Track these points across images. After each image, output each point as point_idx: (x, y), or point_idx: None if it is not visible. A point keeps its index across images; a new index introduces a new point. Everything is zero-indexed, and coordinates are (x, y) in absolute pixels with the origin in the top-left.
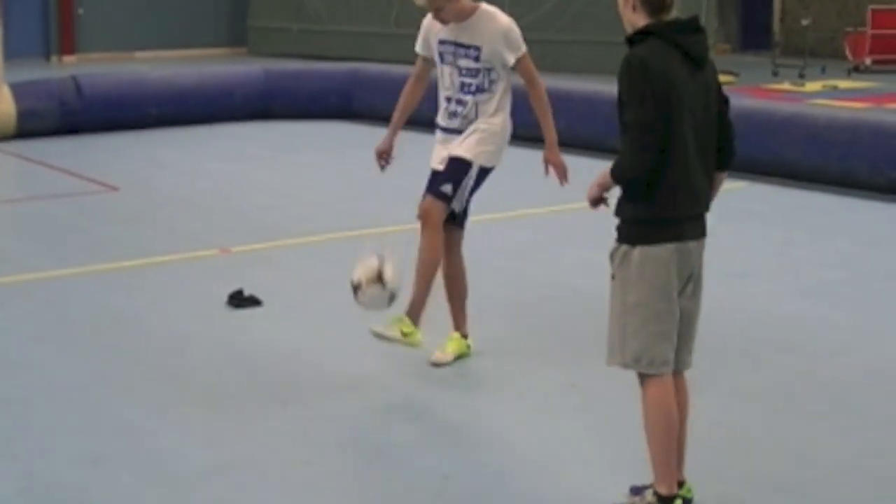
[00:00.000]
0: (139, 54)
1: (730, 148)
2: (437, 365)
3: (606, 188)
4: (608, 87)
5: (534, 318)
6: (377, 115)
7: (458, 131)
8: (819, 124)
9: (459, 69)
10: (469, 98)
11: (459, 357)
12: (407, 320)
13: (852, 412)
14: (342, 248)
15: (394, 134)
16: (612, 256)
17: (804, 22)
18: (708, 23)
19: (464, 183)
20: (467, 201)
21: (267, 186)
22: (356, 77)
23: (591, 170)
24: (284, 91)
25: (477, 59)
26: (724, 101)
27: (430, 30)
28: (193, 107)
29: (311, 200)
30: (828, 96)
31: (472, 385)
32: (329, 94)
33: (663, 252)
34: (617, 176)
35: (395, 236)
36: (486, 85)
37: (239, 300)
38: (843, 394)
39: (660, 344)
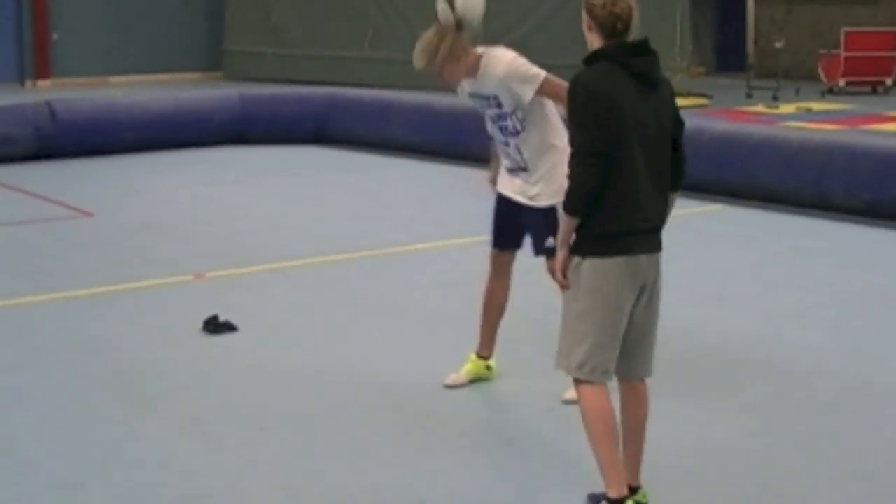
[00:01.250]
0: (114, 79)
1: (680, 170)
2: (450, 387)
3: (567, 237)
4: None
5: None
6: (353, 140)
7: (518, 169)
8: (793, 147)
9: (492, 118)
10: (511, 140)
11: (476, 379)
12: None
13: (828, 434)
14: (318, 273)
15: (497, 164)
16: (564, 269)
17: (778, 44)
18: (682, 45)
19: None
20: None
21: (243, 211)
22: (332, 101)
23: None
24: (260, 116)
25: (500, 105)
26: (680, 123)
27: (461, 84)
28: (169, 132)
29: (287, 225)
30: (802, 118)
31: (462, 407)
32: (305, 118)
33: (612, 266)
34: (568, 206)
35: (373, 260)
36: (519, 126)
37: (214, 326)
38: (819, 416)
39: (603, 353)
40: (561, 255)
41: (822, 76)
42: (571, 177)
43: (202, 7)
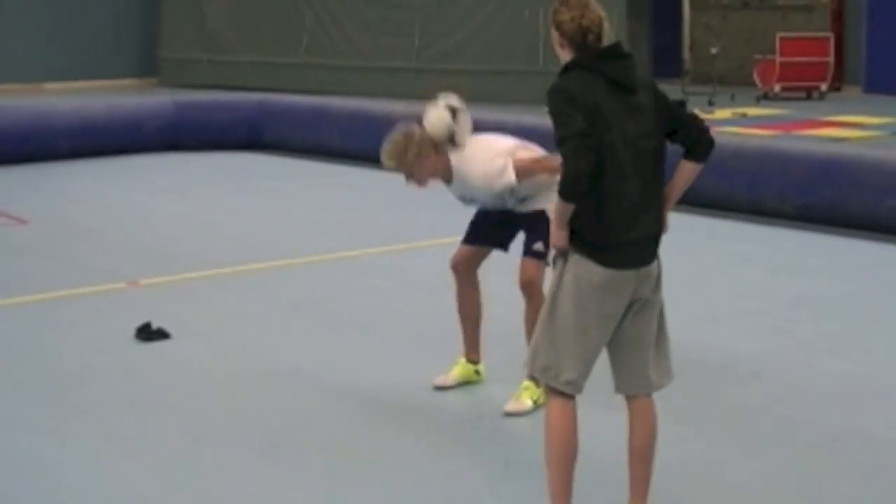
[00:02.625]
0: (48, 85)
1: (701, 137)
2: (439, 388)
3: (563, 219)
4: (520, 117)
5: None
6: (287, 146)
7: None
8: (727, 152)
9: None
10: (513, 206)
11: (466, 383)
12: (531, 385)
13: (760, 438)
14: (251, 280)
15: None
16: (553, 263)
17: (713, 50)
18: None
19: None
20: None
21: (177, 218)
22: (265, 108)
23: None
24: (194, 122)
25: (497, 197)
26: (678, 103)
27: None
28: (104, 139)
29: (221, 232)
30: (737, 124)
31: (394, 409)
32: (238, 125)
33: (596, 277)
34: (563, 192)
35: (306, 267)
36: (515, 203)
37: (147, 334)
38: (750, 420)
39: (570, 363)
40: (560, 233)
41: (758, 82)
42: (564, 162)
43: (137, 13)
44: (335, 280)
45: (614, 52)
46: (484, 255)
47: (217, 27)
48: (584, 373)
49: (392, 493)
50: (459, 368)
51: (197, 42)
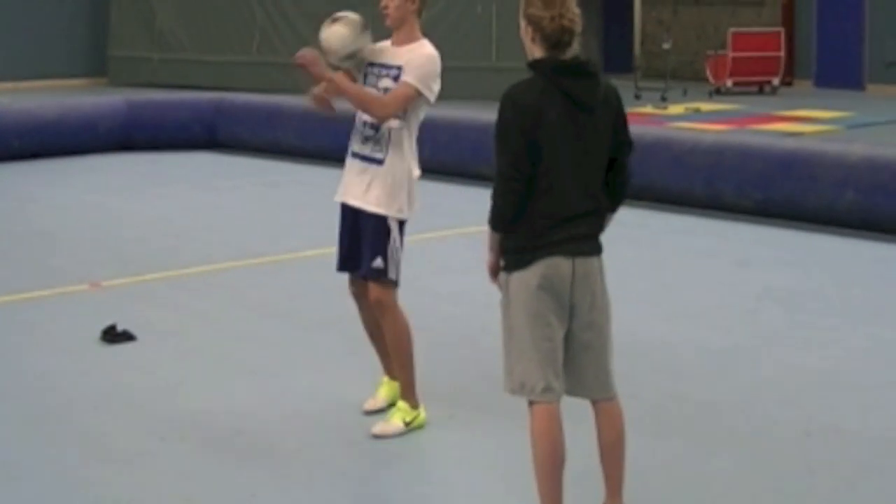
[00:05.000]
0: None
1: (618, 191)
2: (369, 412)
3: (495, 246)
4: (475, 114)
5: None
6: (242, 145)
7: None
8: (684, 148)
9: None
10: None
11: (392, 403)
12: (405, 407)
13: (732, 433)
14: (213, 281)
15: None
16: (500, 284)
17: (665, 45)
18: None
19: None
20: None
21: (134, 219)
22: (220, 107)
23: (456, 194)
24: (147, 122)
25: (395, 80)
26: (624, 145)
27: (364, 50)
28: (56, 139)
29: (179, 232)
30: (691, 119)
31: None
32: (193, 124)
33: (532, 280)
34: (493, 225)
35: (267, 267)
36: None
37: (112, 335)
38: (717, 416)
39: (539, 371)
40: (490, 259)
41: (710, 77)
42: (494, 199)
43: (85, 12)
44: (296, 279)
45: (581, 69)
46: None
47: (167, 26)
48: (556, 374)
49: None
50: (385, 388)
51: (147, 41)
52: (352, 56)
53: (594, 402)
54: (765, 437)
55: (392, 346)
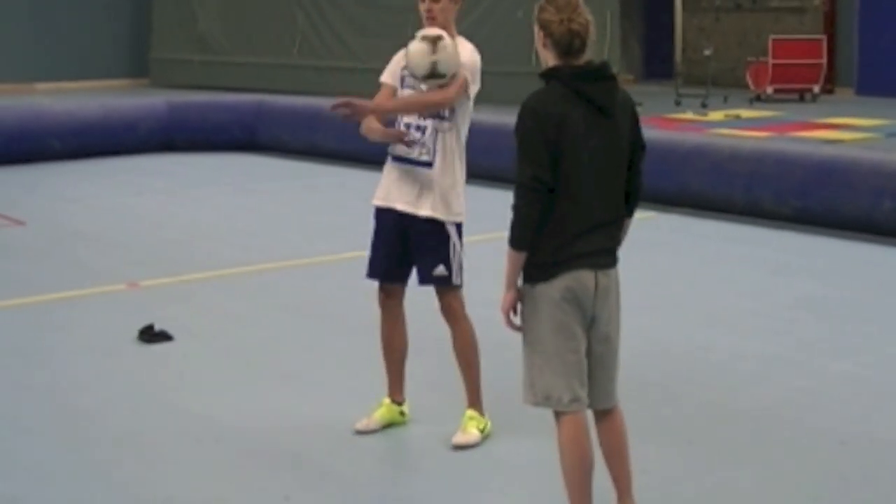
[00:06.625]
0: (40, 85)
1: (635, 195)
2: (361, 433)
3: (513, 276)
4: (511, 119)
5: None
6: (282, 147)
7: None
8: (724, 154)
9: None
10: (430, 122)
11: (390, 425)
12: (475, 415)
13: (765, 442)
14: (251, 282)
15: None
16: (521, 296)
17: (706, 52)
18: (612, 53)
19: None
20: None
21: (173, 220)
22: (260, 109)
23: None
24: (188, 123)
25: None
26: (640, 148)
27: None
28: (97, 139)
29: (217, 234)
30: (731, 125)
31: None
32: (233, 126)
33: (554, 293)
34: (514, 241)
35: (305, 269)
36: (446, 112)
37: (150, 335)
38: (755, 424)
39: (565, 382)
40: (508, 297)
41: (750, 84)
42: (516, 210)
43: (127, 14)
44: (333, 282)
45: (599, 73)
46: (399, 291)
47: (208, 28)
48: (582, 384)
49: None
50: (384, 410)
51: (189, 43)
52: (433, 73)
53: (594, 411)
54: (799, 446)
55: (461, 353)
